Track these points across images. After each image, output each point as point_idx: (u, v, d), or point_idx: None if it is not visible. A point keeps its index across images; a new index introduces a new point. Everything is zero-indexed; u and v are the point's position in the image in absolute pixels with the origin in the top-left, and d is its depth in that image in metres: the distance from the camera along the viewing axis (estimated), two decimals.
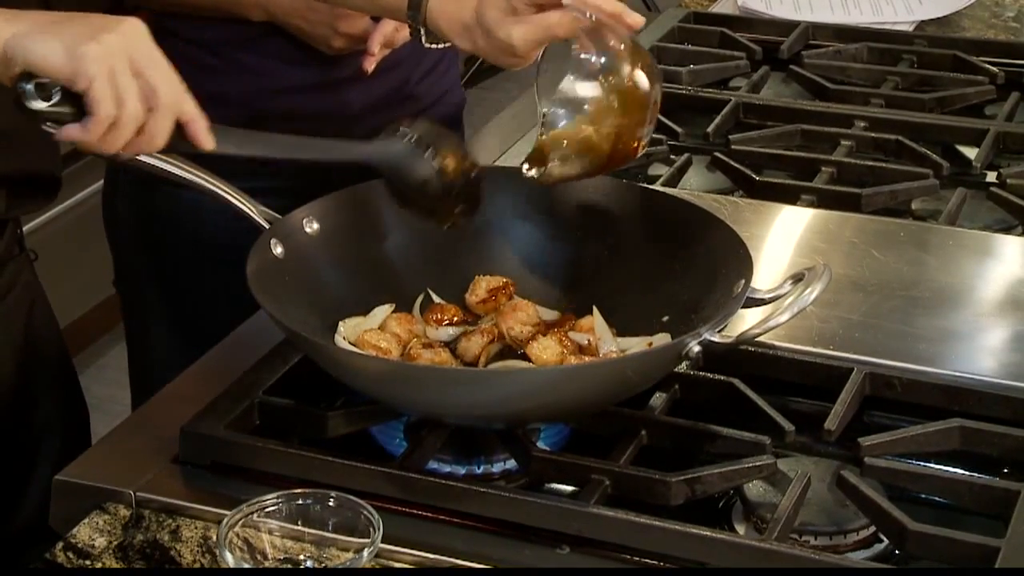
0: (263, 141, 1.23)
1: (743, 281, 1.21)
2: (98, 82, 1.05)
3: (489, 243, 1.37)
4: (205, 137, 1.13)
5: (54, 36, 1.06)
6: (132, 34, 1.08)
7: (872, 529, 1.14)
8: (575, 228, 1.37)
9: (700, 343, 1.15)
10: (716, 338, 1.15)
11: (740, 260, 1.24)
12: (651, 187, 1.54)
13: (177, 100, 1.10)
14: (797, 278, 1.20)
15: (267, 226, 1.28)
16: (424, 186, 1.26)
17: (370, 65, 1.56)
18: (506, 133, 1.75)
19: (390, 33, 1.56)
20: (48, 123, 1.07)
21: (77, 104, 1.06)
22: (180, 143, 1.12)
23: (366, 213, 1.35)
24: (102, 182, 1.75)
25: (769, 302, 1.22)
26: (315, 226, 1.32)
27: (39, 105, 1.06)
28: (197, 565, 1.10)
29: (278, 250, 1.27)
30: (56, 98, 1.06)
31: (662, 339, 1.26)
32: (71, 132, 1.07)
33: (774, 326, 1.17)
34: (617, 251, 1.35)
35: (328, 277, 1.30)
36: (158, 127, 1.09)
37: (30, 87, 1.06)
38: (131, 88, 1.07)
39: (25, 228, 1.47)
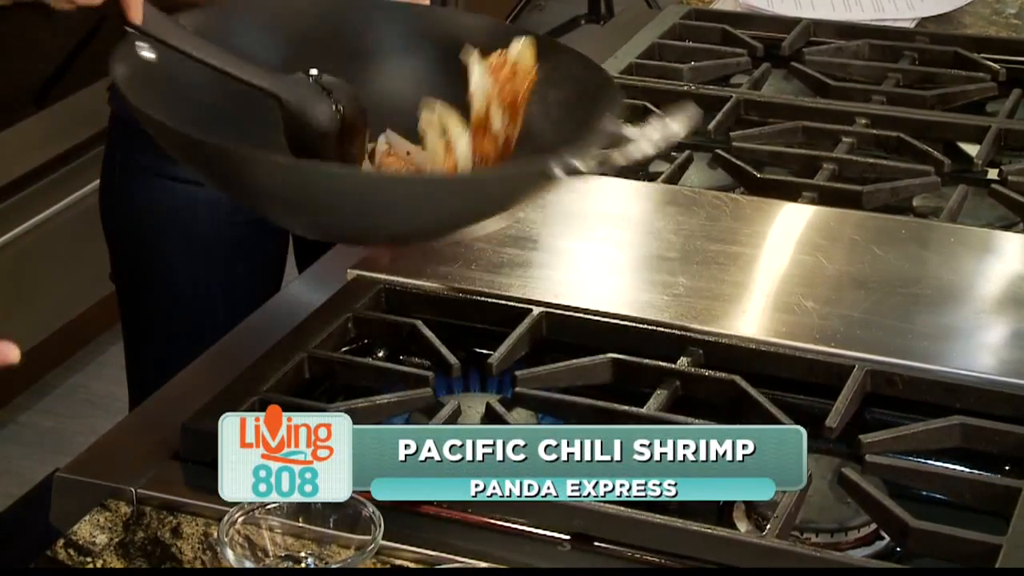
0: (186, 39, 1.17)
1: (608, 114, 1.20)
2: None
3: (371, 75, 1.31)
4: (136, 12, 1.12)
5: None
6: None
7: (873, 526, 1.14)
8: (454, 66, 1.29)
9: (563, 167, 1.12)
10: (579, 164, 1.13)
11: (609, 96, 1.23)
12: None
13: None
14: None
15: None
16: (322, 130, 1.21)
17: None
18: None
19: None
20: None
21: None
22: (113, 9, 1.11)
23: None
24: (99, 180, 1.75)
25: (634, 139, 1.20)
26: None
27: None
28: (198, 562, 1.10)
29: (148, 54, 1.17)
30: None
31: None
32: None
33: (635, 153, 1.16)
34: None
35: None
36: None
37: None
38: None
39: (24, 225, 1.46)
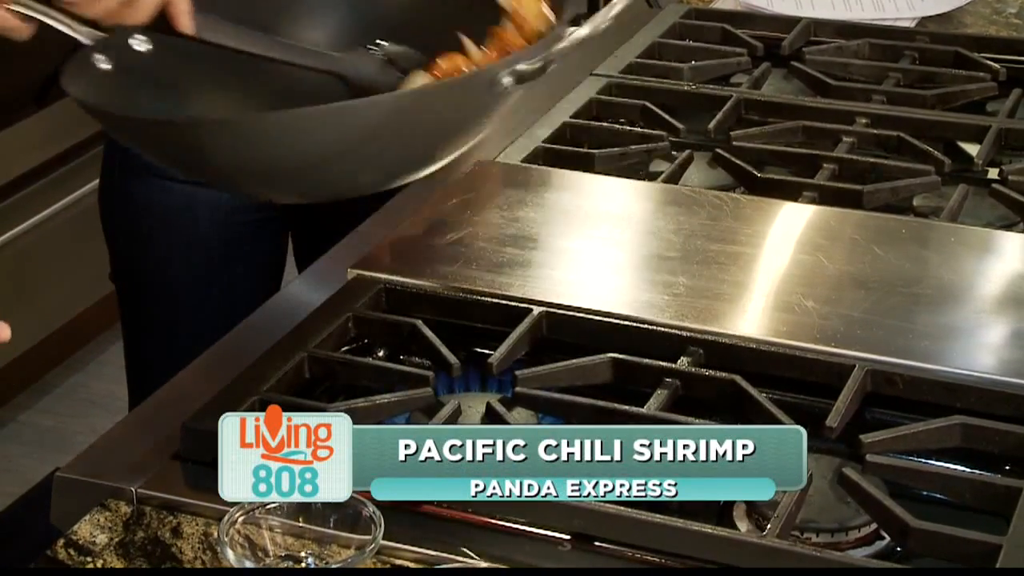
0: (241, 36, 1.19)
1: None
2: None
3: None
4: (186, 20, 1.12)
5: None
6: None
7: (873, 526, 1.14)
8: None
9: (510, 72, 1.14)
10: (523, 65, 1.15)
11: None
12: None
13: None
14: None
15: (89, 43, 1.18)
16: None
17: None
18: (508, 128, 1.74)
19: None
20: None
21: None
22: (162, 23, 1.12)
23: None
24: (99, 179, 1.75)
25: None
26: (148, 46, 1.22)
27: None
28: (198, 562, 1.10)
29: (105, 65, 1.18)
30: None
31: None
32: None
33: (575, 39, 1.17)
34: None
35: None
36: (146, 1, 1.10)
37: None
38: None
39: (24, 225, 1.46)
